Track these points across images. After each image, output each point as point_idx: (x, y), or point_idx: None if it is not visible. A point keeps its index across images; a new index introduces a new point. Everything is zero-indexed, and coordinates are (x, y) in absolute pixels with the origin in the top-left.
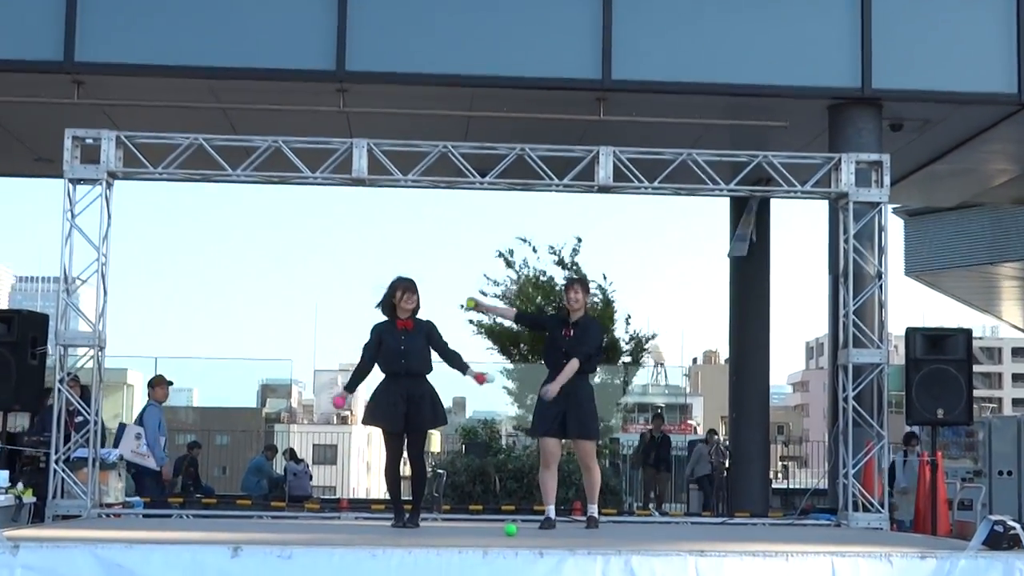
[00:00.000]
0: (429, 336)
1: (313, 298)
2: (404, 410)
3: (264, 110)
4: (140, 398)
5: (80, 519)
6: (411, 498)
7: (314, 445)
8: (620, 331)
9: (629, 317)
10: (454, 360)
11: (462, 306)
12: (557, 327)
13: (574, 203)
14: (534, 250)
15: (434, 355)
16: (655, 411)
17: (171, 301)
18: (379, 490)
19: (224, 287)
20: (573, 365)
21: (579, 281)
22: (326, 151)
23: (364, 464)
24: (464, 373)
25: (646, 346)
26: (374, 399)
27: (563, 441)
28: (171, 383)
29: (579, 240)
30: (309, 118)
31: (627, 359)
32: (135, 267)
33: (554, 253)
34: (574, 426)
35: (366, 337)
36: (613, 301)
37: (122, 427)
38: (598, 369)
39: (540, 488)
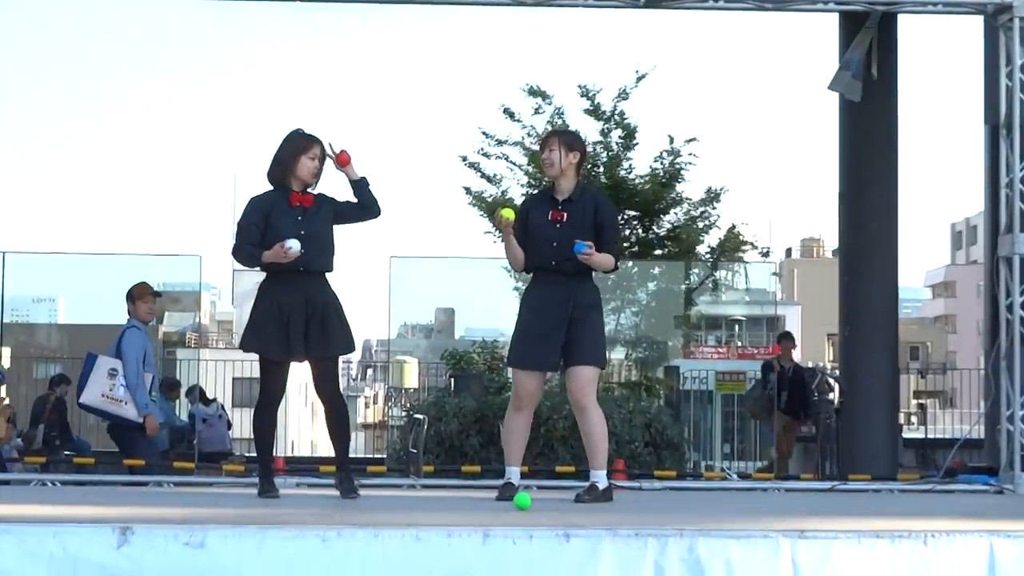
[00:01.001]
0: (336, 212)
1: (230, 164)
2: (302, 328)
3: None
4: None
5: None
6: (337, 454)
7: (234, 379)
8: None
9: (718, 193)
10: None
11: (498, 218)
12: (540, 211)
13: (612, 31)
14: (544, 100)
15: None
16: (782, 332)
17: (24, 172)
18: (327, 444)
19: (102, 153)
20: (606, 260)
21: (559, 134)
22: None
23: (309, 407)
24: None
25: (737, 233)
26: (257, 310)
27: (547, 375)
28: (158, 294)
29: (639, 76)
30: None
31: (705, 252)
32: None
33: (586, 97)
34: (573, 348)
35: None
36: (682, 169)
37: (91, 358)
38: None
39: (504, 442)
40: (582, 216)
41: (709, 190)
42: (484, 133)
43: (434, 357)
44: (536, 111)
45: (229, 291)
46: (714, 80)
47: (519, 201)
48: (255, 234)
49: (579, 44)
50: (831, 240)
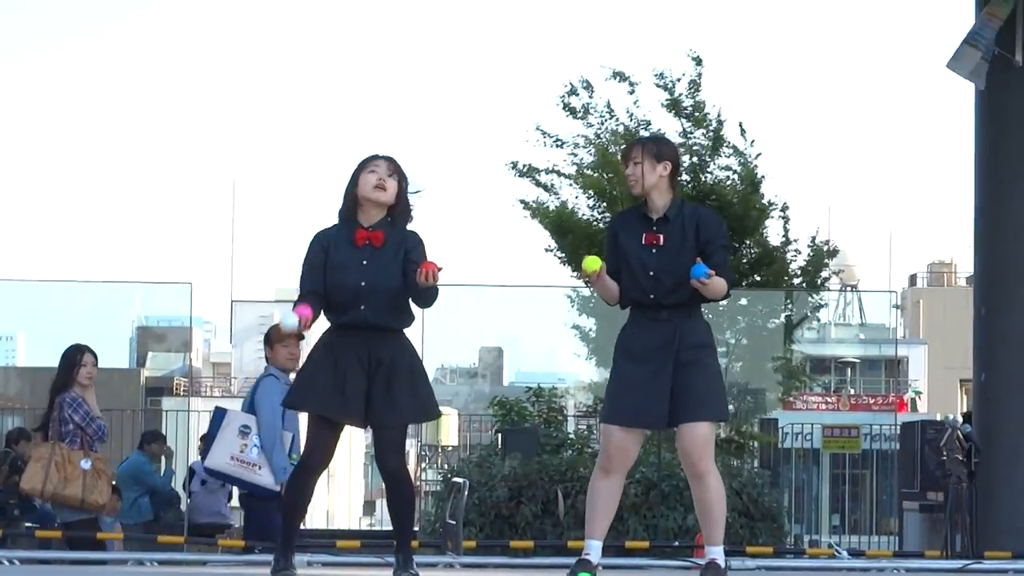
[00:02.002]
0: (408, 256)
1: (228, 175)
2: (363, 387)
3: None
4: None
5: None
6: (396, 533)
7: None
8: (775, 231)
9: (784, 208)
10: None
11: (584, 272)
12: (631, 234)
13: (687, 7)
14: (625, 83)
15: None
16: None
17: None
18: (347, 515)
19: (77, 166)
20: (719, 286)
21: (643, 144)
22: None
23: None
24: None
25: (827, 260)
26: (308, 363)
27: (648, 434)
28: (302, 337)
29: (698, 62)
30: None
31: (798, 280)
32: None
33: (663, 87)
34: (683, 399)
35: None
36: (759, 177)
37: (219, 414)
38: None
39: (587, 508)
40: (682, 236)
41: (815, 239)
42: (541, 130)
43: (478, 407)
44: (603, 111)
45: (226, 327)
46: (814, 65)
47: (586, 213)
48: (318, 277)
49: (642, 27)
50: (966, 265)
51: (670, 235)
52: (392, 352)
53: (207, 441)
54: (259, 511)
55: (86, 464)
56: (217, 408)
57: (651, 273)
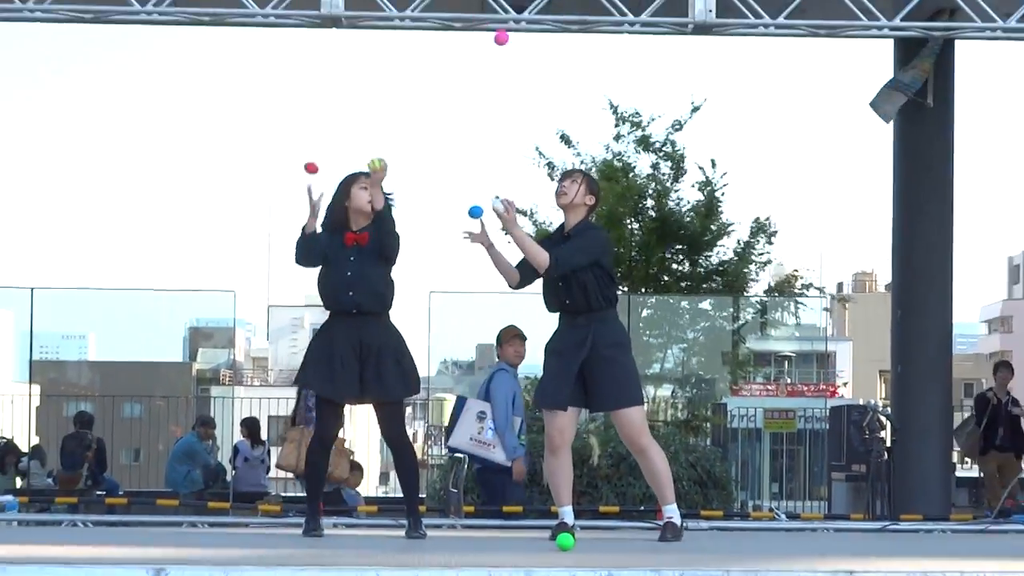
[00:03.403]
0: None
1: (265, 201)
2: (356, 369)
3: None
4: (9, 347)
5: None
6: (405, 496)
7: (270, 417)
8: (731, 246)
9: (763, 226)
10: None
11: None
12: (547, 246)
13: (658, 55)
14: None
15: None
16: (999, 360)
17: (56, 206)
18: (366, 484)
19: (134, 187)
20: (531, 245)
21: (584, 173)
22: None
23: (346, 444)
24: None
25: (796, 275)
26: (312, 348)
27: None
28: (525, 338)
29: (694, 108)
30: None
31: (764, 292)
32: (1, 156)
33: (637, 126)
34: (607, 392)
35: None
36: (719, 204)
37: (461, 401)
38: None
39: (550, 484)
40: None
41: (756, 220)
42: (538, 152)
43: (475, 394)
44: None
45: (264, 327)
46: (764, 110)
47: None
48: (318, 243)
49: (633, 71)
50: (884, 274)
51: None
52: (380, 338)
53: (449, 424)
54: (493, 482)
55: None
56: (459, 397)
57: (559, 283)
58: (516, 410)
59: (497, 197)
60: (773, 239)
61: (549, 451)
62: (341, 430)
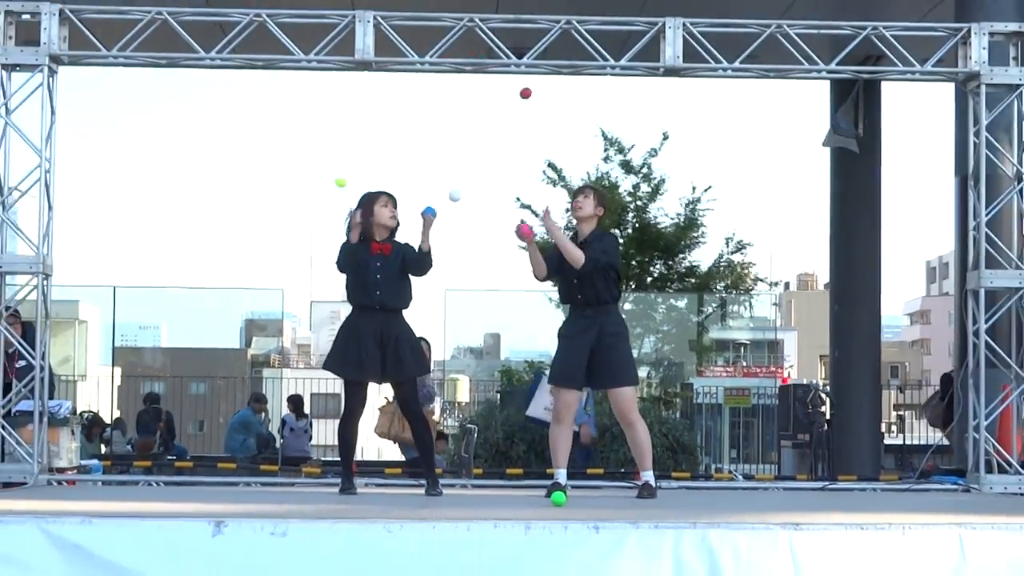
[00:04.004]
0: (405, 259)
1: (308, 214)
2: (378, 355)
3: None
4: (96, 336)
5: (26, 487)
6: (422, 460)
7: (312, 395)
8: (709, 252)
9: (740, 243)
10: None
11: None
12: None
13: (634, 93)
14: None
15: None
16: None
17: (133, 217)
18: (394, 450)
19: (198, 200)
20: (569, 244)
21: (596, 188)
22: (322, 27)
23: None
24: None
25: (746, 270)
26: (339, 337)
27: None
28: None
29: (665, 137)
30: None
31: (724, 287)
32: (87, 175)
33: (620, 152)
34: (607, 372)
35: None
36: (699, 217)
37: (538, 377)
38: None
39: (551, 449)
40: (592, 247)
41: (731, 239)
42: (551, 165)
43: (483, 375)
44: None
45: (307, 319)
46: (726, 138)
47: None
48: (354, 253)
49: (617, 105)
50: (824, 275)
51: (587, 250)
52: (396, 329)
53: (528, 396)
54: None
55: None
56: (536, 373)
57: (574, 281)
58: None
59: (523, 221)
60: (743, 251)
61: (555, 421)
62: (433, 404)
